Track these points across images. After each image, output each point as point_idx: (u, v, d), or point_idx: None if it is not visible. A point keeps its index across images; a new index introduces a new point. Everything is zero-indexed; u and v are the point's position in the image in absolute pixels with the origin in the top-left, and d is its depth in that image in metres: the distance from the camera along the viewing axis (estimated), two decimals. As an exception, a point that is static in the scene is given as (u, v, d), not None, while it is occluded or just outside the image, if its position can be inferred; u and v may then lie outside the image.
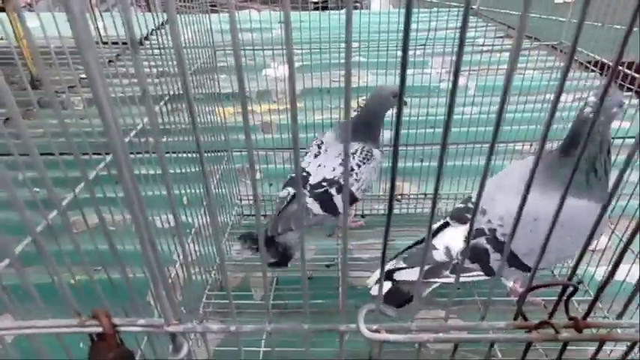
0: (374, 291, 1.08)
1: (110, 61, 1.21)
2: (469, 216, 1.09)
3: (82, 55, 0.28)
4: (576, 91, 1.41)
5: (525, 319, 0.42)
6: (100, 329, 0.47)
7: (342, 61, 1.76)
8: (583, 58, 1.46)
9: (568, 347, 0.46)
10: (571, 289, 0.43)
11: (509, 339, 0.42)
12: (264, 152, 1.74)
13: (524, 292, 0.44)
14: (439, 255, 1.08)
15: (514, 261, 1.03)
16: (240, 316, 1.22)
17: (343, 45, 2.32)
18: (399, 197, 1.72)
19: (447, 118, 0.36)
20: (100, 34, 1.04)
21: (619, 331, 0.53)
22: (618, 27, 1.24)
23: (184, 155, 1.14)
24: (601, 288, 0.42)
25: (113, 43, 1.15)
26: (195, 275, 1.16)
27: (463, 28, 0.32)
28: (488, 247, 1.04)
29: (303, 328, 0.45)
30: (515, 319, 0.44)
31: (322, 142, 1.40)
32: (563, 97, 1.43)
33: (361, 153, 1.34)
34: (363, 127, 1.37)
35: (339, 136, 1.39)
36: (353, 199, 1.37)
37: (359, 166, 1.33)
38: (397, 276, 1.07)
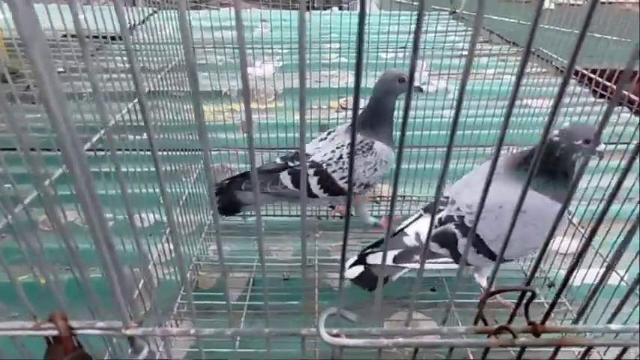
0: (348, 274, 1.12)
1: (91, 55, 1.18)
2: (441, 207, 1.14)
3: (27, 47, 0.27)
4: (552, 97, 1.44)
5: (485, 323, 0.43)
6: (56, 332, 0.46)
7: (324, 61, 1.77)
8: (559, 64, 1.49)
9: (536, 350, 0.46)
10: (529, 294, 0.43)
11: (467, 344, 0.42)
12: (244, 152, 1.72)
13: (483, 297, 0.44)
14: (410, 240, 1.13)
15: (481, 247, 1.08)
16: (215, 317, 1.20)
17: (326, 45, 2.32)
18: (378, 199, 1.72)
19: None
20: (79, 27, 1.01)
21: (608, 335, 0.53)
22: (598, 35, 1.27)
23: (162, 153, 1.12)
24: (558, 293, 0.43)
25: (93, 37, 1.12)
26: (170, 275, 1.14)
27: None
28: (456, 231, 1.10)
29: (264, 332, 0.44)
30: (475, 323, 0.44)
31: (333, 131, 1.41)
32: (540, 103, 1.46)
33: (358, 144, 1.32)
34: (370, 119, 1.33)
35: (346, 128, 1.39)
36: (337, 190, 1.33)
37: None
38: (369, 259, 1.12)
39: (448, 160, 0.38)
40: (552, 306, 0.44)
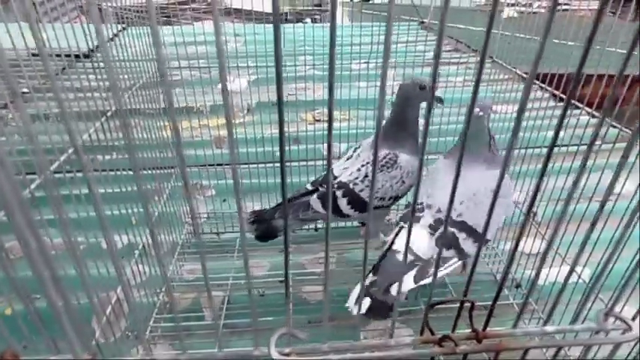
0: (355, 310, 1.03)
1: (56, 74, 1.16)
2: (418, 214, 1.14)
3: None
4: (517, 102, 1.48)
5: (432, 332, 0.43)
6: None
7: (299, 74, 1.77)
8: (522, 70, 1.54)
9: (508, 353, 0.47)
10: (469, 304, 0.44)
11: (412, 355, 0.43)
12: (215, 169, 1.70)
13: (426, 309, 0.45)
14: (409, 257, 1.09)
15: (476, 235, 1.10)
16: (191, 338, 1.18)
17: (301, 58, 2.33)
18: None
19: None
20: (45, 46, 0.99)
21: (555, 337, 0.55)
22: (556, 41, 1.32)
23: (127, 173, 1.10)
24: (494, 300, 0.44)
25: (57, 55, 1.10)
26: (141, 298, 1.11)
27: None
28: (453, 230, 1.11)
29: (216, 355, 0.44)
30: (421, 333, 0.45)
31: (358, 147, 1.40)
32: (505, 108, 1.51)
33: (382, 160, 1.31)
34: (393, 131, 1.31)
35: (371, 143, 1.38)
36: (362, 206, 1.31)
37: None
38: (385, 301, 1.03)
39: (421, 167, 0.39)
40: (490, 313, 0.45)
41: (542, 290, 1.24)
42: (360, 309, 0.98)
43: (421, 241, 1.11)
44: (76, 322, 0.40)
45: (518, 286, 1.35)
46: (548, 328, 0.43)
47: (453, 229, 1.12)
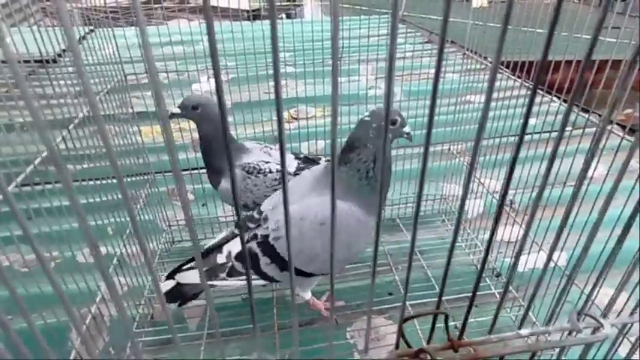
0: (162, 287, 1.13)
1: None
2: (250, 225, 1.11)
3: None
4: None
5: (408, 345, 0.43)
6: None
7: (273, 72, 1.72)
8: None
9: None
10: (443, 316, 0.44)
11: None
12: (190, 174, 1.66)
13: (400, 323, 0.45)
14: (221, 258, 1.12)
15: (284, 265, 1.03)
16: (173, 350, 1.16)
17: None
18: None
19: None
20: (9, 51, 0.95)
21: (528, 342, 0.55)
22: (524, 29, 1.34)
23: (100, 182, 1.07)
24: (468, 309, 0.44)
25: (24, 61, 1.06)
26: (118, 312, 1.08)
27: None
28: (257, 250, 1.06)
29: None
30: (397, 347, 0.44)
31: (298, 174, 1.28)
32: (479, 98, 1.52)
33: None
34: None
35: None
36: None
37: None
38: (178, 277, 1.13)
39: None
40: (465, 323, 0.45)
41: (522, 277, 1.25)
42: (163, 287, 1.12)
43: (237, 247, 1.11)
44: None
45: (498, 275, 1.37)
46: (523, 331, 0.43)
47: (257, 250, 1.06)
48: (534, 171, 1.08)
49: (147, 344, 1.18)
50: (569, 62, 1.09)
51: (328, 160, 1.28)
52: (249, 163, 1.31)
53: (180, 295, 1.14)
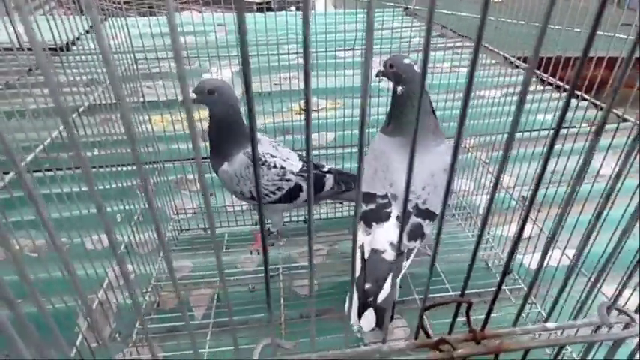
0: (364, 325, 0.99)
1: (30, 70, 1.12)
2: (387, 210, 1.10)
3: None
4: (505, 86, 1.47)
5: (428, 335, 0.42)
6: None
7: (284, 63, 1.73)
8: (510, 54, 1.53)
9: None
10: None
11: None
12: (204, 161, 1.67)
13: (421, 311, 0.44)
14: (390, 255, 1.05)
15: (434, 217, 1.12)
16: (179, 338, 1.16)
17: (285, 47, 2.28)
18: (342, 201, 1.72)
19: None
20: (19, 40, 0.95)
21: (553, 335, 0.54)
22: (538, 24, 1.31)
23: (111, 170, 1.07)
24: (493, 300, 0.43)
25: (29, 49, 1.06)
26: (125, 299, 1.08)
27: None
28: (419, 220, 1.10)
29: None
30: (416, 337, 0.43)
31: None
32: (492, 93, 1.50)
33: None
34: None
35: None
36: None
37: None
38: (381, 299, 1.00)
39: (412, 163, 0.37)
40: (489, 313, 0.43)
41: (533, 275, 1.23)
42: (367, 324, 0.97)
43: (393, 236, 1.07)
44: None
45: (509, 272, 1.35)
46: (549, 324, 0.42)
47: (419, 220, 1.09)
48: (550, 168, 1.06)
49: (152, 332, 1.19)
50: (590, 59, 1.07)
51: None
52: (262, 151, 1.30)
53: (386, 315, 0.97)
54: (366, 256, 1.07)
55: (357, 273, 1.05)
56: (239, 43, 0.28)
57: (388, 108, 1.23)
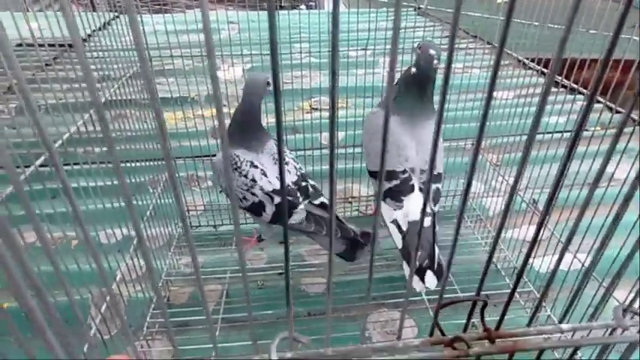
0: (429, 284, 1.10)
1: (47, 64, 1.14)
2: (410, 183, 1.19)
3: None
4: (517, 88, 1.46)
5: (442, 333, 0.42)
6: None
7: (295, 62, 1.74)
8: (522, 55, 1.52)
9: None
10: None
11: (421, 358, 0.41)
12: (211, 160, 1.67)
13: (436, 309, 0.44)
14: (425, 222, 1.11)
15: (441, 177, 1.26)
16: (189, 333, 1.17)
17: (296, 45, 2.29)
18: (350, 199, 1.72)
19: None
20: (33, 36, 0.97)
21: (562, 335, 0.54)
22: (552, 26, 1.30)
23: (124, 165, 1.08)
24: (508, 301, 0.43)
25: (49, 45, 1.08)
26: (137, 293, 1.09)
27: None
28: (437, 185, 1.24)
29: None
30: (430, 334, 0.43)
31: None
32: (504, 94, 1.49)
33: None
34: (239, 129, 1.26)
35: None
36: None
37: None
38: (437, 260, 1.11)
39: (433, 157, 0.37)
40: (504, 313, 0.43)
41: (543, 278, 1.23)
42: (431, 283, 1.09)
43: (419, 205, 1.15)
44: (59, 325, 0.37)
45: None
46: (564, 326, 0.42)
47: (436, 185, 1.21)
48: (554, 171, 1.05)
49: (162, 326, 1.20)
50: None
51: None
52: (245, 158, 1.25)
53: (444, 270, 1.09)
54: (404, 228, 1.15)
55: (400, 245, 1.14)
56: (269, 42, 0.29)
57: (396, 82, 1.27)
